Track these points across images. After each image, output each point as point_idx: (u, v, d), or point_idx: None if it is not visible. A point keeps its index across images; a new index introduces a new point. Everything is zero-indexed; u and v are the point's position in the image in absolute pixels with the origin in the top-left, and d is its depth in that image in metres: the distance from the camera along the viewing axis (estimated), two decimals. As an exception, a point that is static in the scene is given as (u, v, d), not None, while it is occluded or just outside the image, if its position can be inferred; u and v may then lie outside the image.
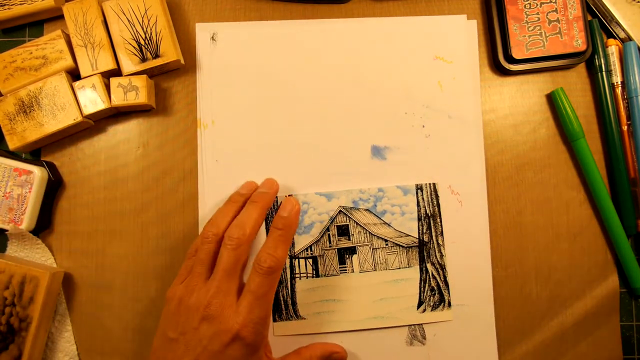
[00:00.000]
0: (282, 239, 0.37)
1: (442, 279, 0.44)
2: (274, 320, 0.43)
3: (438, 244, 0.44)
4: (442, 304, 0.44)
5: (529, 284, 0.45)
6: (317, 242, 0.44)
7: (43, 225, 0.43)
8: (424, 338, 0.44)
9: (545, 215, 0.45)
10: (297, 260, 0.44)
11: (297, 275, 0.43)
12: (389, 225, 0.44)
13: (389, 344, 0.44)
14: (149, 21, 0.43)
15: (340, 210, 0.44)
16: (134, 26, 0.42)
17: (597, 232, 0.45)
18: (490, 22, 0.46)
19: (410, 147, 0.45)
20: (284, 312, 0.43)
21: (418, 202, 0.44)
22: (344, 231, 0.44)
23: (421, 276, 0.44)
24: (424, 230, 0.44)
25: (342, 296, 0.43)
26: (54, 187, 0.44)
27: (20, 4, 0.43)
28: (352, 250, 0.44)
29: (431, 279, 0.44)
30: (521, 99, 0.46)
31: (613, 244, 0.45)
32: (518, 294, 0.45)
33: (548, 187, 0.45)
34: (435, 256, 0.44)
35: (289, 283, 0.43)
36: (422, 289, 0.44)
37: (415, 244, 0.44)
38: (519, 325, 0.44)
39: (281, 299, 0.43)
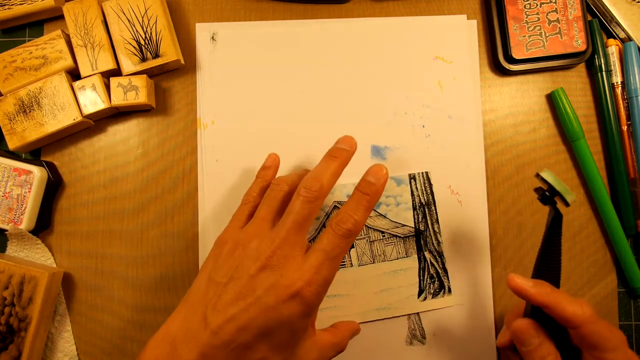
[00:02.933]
0: (367, 204, 0.33)
1: (441, 266, 0.44)
2: None
3: (434, 231, 0.44)
4: (443, 290, 0.44)
5: (529, 284, 0.45)
6: (313, 238, 0.44)
7: (43, 225, 0.43)
8: (424, 338, 0.44)
9: (545, 215, 0.45)
10: None
11: None
12: (384, 216, 0.44)
13: (389, 344, 0.44)
14: (149, 21, 0.43)
15: (335, 205, 0.44)
16: (134, 26, 0.42)
17: (596, 232, 0.45)
18: (490, 22, 0.46)
19: (410, 147, 0.45)
20: None
21: (412, 191, 0.44)
22: None
23: (420, 265, 0.44)
24: (420, 219, 0.44)
25: (343, 291, 0.43)
26: (54, 187, 0.44)
27: (20, 4, 0.43)
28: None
29: (430, 267, 0.44)
30: (521, 99, 0.46)
31: (612, 244, 0.45)
32: (518, 294, 0.44)
33: (548, 187, 0.45)
34: (433, 244, 0.44)
35: None
36: (421, 277, 0.44)
37: (412, 234, 0.44)
38: (519, 325, 0.44)
39: None
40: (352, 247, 0.44)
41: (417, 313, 0.44)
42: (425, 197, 0.44)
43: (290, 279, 0.30)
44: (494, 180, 0.45)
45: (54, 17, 0.45)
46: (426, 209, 0.44)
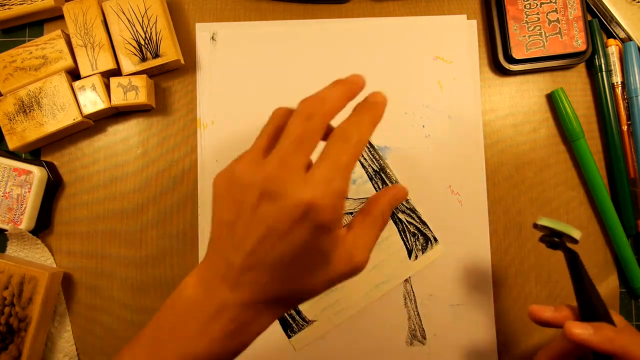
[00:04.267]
0: (370, 119, 0.29)
1: (418, 221, 0.44)
2: (288, 337, 0.43)
3: None
4: (429, 242, 0.44)
5: (529, 283, 0.45)
6: None
7: (42, 225, 0.43)
8: (424, 338, 0.44)
9: (545, 216, 0.45)
10: None
11: None
12: (347, 198, 0.44)
13: (389, 344, 0.43)
14: (149, 21, 0.43)
15: None
16: (134, 26, 0.42)
17: (597, 232, 0.45)
18: (490, 22, 0.45)
19: (410, 147, 0.45)
20: (294, 325, 0.43)
21: (362, 164, 0.44)
22: None
23: (398, 228, 0.44)
24: (380, 186, 0.44)
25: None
26: (54, 187, 0.44)
27: (20, 4, 0.43)
28: None
29: (408, 226, 0.44)
30: (521, 99, 0.46)
31: (613, 244, 0.45)
32: (518, 294, 0.44)
33: (548, 187, 0.45)
34: (402, 204, 0.44)
35: None
36: (404, 238, 0.44)
37: None
38: (519, 325, 0.44)
39: (285, 315, 0.43)
40: None
41: (417, 313, 0.44)
42: (376, 164, 0.44)
43: (297, 197, 0.26)
44: (494, 180, 0.45)
45: (54, 17, 0.45)
46: (383, 175, 0.44)
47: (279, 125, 0.30)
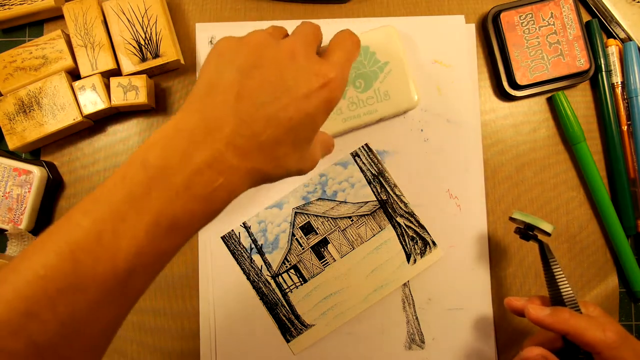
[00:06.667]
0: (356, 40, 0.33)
1: (417, 224, 0.44)
2: (287, 342, 0.43)
3: (397, 195, 0.44)
4: (427, 246, 0.44)
5: (528, 283, 0.45)
6: (289, 251, 0.44)
7: (43, 225, 0.43)
8: (423, 342, 0.44)
9: (545, 216, 0.45)
10: (280, 277, 0.44)
11: (287, 290, 0.43)
12: (345, 202, 0.44)
13: (388, 349, 0.43)
14: (149, 21, 0.43)
15: (295, 212, 0.44)
16: (134, 26, 0.42)
17: (597, 232, 0.45)
18: (491, 50, 0.45)
19: (408, 151, 0.45)
20: (292, 329, 0.43)
21: (360, 168, 0.44)
22: (308, 229, 0.44)
23: (397, 232, 0.44)
24: (379, 190, 0.44)
25: (336, 287, 0.43)
26: (54, 187, 0.44)
27: (20, 4, 0.43)
28: (325, 242, 0.44)
29: (407, 230, 0.44)
30: (521, 100, 0.46)
31: (613, 244, 0.45)
32: (517, 294, 0.44)
33: (548, 187, 0.45)
34: (400, 208, 0.44)
35: (283, 301, 0.43)
36: (403, 242, 0.44)
37: (378, 206, 0.44)
38: (518, 326, 0.44)
39: (283, 318, 0.43)
40: (328, 242, 0.44)
41: (416, 317, 0.44)
42: (375, 169, 0.44)
43: (320, 70, 0.29)
44: (494, 180, 0.45)
45: (54, 17, 0.45)
46: (381, 179, 0.44)
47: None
